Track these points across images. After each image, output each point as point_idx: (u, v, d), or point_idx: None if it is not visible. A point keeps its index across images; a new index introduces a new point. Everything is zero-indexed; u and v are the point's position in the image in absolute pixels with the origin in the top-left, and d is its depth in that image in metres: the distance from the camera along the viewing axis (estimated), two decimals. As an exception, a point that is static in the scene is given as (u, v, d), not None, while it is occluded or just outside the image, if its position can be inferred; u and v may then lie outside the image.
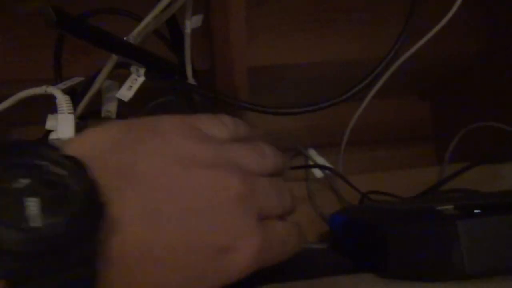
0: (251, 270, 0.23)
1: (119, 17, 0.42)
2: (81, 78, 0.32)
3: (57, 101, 0.28)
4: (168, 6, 0.30)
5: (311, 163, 0.61)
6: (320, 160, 0.69)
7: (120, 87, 0.34)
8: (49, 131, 0.40)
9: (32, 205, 0.17)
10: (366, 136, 0.73)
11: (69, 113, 0.27)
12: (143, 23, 0.30)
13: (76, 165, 0.19)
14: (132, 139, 0.23)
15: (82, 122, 0.34)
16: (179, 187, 0.22)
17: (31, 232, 0.17)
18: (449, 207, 0.27)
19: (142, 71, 0.29)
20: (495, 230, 0.26)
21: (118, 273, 0.19)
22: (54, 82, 0.57)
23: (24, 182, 0.18)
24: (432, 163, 0.73)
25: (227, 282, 0.23)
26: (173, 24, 0.37)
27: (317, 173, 0.62)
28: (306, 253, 0.45)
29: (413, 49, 0.52)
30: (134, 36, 0.29)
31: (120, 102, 0.38)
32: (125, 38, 0.29)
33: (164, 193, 0.22)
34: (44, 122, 0.36)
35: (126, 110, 0.39)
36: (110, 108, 0.36)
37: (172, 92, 0.37)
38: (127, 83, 0.30)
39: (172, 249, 0.21)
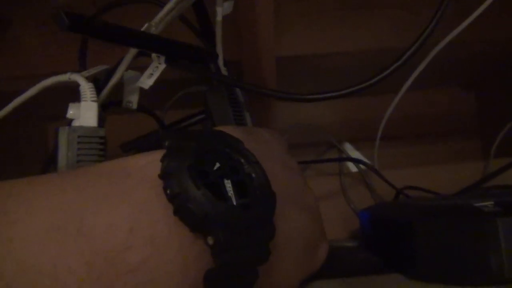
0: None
1: (144, 5, 0.41)
2: (105, 67, 0.31)
3: (81, 88, 0.27)
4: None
5: (345, 156, 0.58)
6: (355, 154, 0.67)
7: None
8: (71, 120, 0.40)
9: (228, 186, 0.21)
10: (403, 130, 0.69)
11: (93, 100, 0.26)
12: (165, 9, 0.28)
13: (252, 156, 0.23)
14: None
15: (103, 112, 0.33)
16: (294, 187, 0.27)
17: (232, 208, 0.20)
18: (489, 203, 0.24)
19: (163, 58, 0.28)
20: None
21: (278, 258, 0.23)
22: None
23: (217, 165, 0.21)
24: (476, 160, 0.69)
25: (314, 272, 0.28)
26: (201, 10, 0.36)
27: (352, 167, 0.59)
28: (337, 251, 0.43)
29: (452, 35, 0.48)
30: (156, 22, 0.28)
31: (144, 92, 0.37)
32: (146, 25, 0.28)
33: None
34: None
35: (147, 101, 0.38)
36: (131, 98, 0.35)
37: (201, 81, 0.36)
38: (148, 70, 0.29)
39: (293, 239, 0.25)
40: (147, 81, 0.29)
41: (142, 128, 0.44)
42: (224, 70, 0.36)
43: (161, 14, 0.29)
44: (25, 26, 0.61)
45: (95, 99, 0.27)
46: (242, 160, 0.22)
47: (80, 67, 0.38)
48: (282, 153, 0.29)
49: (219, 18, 0.36)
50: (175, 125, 0.39)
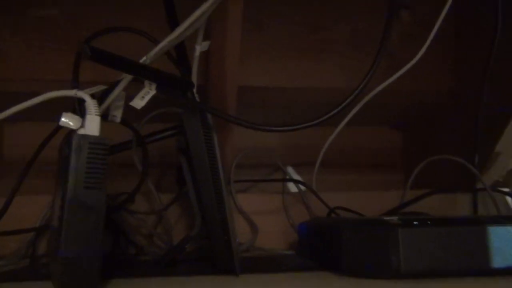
0: None
1: (128, 35, 0.47)
2: (104, 87, 0.37)
3: (86, 104, 0.33)
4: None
5: (288, 178, 0.67)
6: (296, 177, 0.75)
7: (126, 97, 0.40)
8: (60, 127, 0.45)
9: None
10: (339, 159, 0.79)
11: (96, 115, 0.32)
12: (160, 46, 0.35)
13: None
14: None
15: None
16: None
17: None
18: (394, 218, 0.33)
19: (154, 86, 0.35)
20: (429, 238, 0.32)
21: None
22: (66, 83, 0.63)
23: None
24: (397, 190, 0.79)
25: None
26: (181, 48, 0.43)
27: (292, 188, 0.68)
28: (274, 257, 0.51)
29: (384, 84, 0.59)
30: (151, 56, 0.35)
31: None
32: (144, 58, 0.35)
33: None
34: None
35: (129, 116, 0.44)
36: (116, 113, 0.41)
37: (179, 104, 0.43)
38: (140, 93, 0.35)
39: None
40: (139, 102, 0.35)
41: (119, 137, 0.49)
42: (196, 97, 0.43)
43: (156, 50, 0.36)
44: (14, 34, 0.65)
45: (98, 113, 0.33)
46: None
47: (73, 83, 0.43)
48: None
49: (197, 54, 0.44)
50: (150, 136, 0.45)
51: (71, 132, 0.39)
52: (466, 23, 0.72)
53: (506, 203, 0.67)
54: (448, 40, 0.74)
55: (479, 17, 0.70)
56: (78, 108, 0.39)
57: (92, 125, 0.32)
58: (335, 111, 0.37)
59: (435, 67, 0.74)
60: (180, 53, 0.44)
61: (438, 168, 0.69)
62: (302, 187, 0.65)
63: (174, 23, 0.44)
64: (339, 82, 0.71)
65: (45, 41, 0.65)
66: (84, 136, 0.30)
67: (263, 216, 0.64)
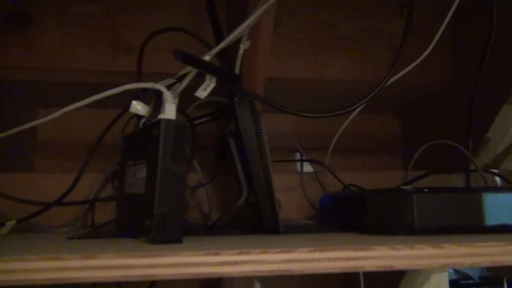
0: None
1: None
2: (172, 80, 0.44)
3: (164, 94, 0.40)
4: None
5: (306, 158, 0.75)
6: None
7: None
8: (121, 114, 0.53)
9: None
10: (347, 143, 0.87)
11: (173, 103, 0.40)
12: (217, 48, 0.43)
13: None
14: None
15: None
16: None
17: None
18: (409, 187, 0.42)
19: (214, 79, 0.43)
20: (437, 202, 0.40)
21: None
22: (101, 73, 0.71)
23: None
24: (398, 171, 0.88)
25: None
26: (224, 53, 0.51)
27: (308, 168, 0.76)
28: (299, 225, 0.59)
29: (396, 77, 0.67)
30: (211, 55, 0.43)
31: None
32: (206, 56, 0.42)
33: None
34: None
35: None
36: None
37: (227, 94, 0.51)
38: (203, 86, 0.43)
39: None
40: (202, 93, 0.43)
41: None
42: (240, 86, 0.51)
43: (215, 51, 0.44)
44: (45, 26, 0.72)
45: (174, 102, 0.41)
46: None
47: (138, 73, 0.51)
48: None
49: (240, 52, 0.52)
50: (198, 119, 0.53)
51: (138, 118, 0.47)
52: (464, 20, 0.81)
53: (495, 183, 0.76)
54: (447, 36, 0.83)
55: (476, 15, 0.78)
56: (142, 97, 0.47)
57: (170, 111, 0.40)
58: (364, 101, 0.45)
59: (435, 61, 0.82)
60: (223, 51, 0.52)
61: (435, 152, 0.78)
62: (318, 166, 0.74)
63: (217, 27, 0.52)
64: (347, 75, 0.80)
65: (83, 35, 0.73)
66: (170, 121, 0.38)
67: (282, 192, 0.73)
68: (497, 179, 0.76)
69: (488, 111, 0.74)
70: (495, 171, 0.76)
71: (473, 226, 0.41)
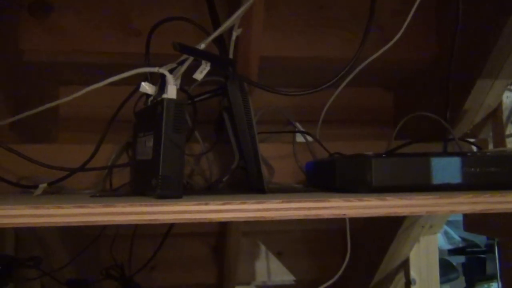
0: None
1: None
2: (175, 64, 0.53)
3: (167, 77, 0.49)
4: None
5: (298, 130, 0.84)
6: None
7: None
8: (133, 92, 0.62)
9: None
10: (337, 116, 0.95)
11: (174, 85, 0.48)
12: (212, 36, 0.51)
13: None
14: None
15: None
16: None
17: None
18: (369, 153, 0.50)
19: (208, 64, 0.51)
20: (392, 165, 0.49)
21: None
22: (117, 55, 0.79)
23: None
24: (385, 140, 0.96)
25: None
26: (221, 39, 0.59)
27: (300, 138, 0.85)
28: (288, 187, 0.69)
29: (375, 55, 0.74)
30: (205, 44, 0.51)
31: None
32: (201, 44, 0.51)
33: None
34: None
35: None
36: (177, 82, 0.57)
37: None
38: (199, 69, 0.51)
39: None
40: (199, 75, 0.51)
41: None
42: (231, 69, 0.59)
43: (209, 39, 0.53)
44: (65, 12, 0.80)
45: (175, 84, 0.49)
46: None
47: (146, 60, 0.60)
48: None
49: (233, 38, 0.60)
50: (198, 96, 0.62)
51: (147, 97, 0.56)
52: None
53: (471, 150, 0.84)
54: (430, 14, 0.89)
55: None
56: (149, 78, 0.56)
57: (172, 92, 0.49)
58: (334, 80, 0.53)
59: (420, 38, 0.89)
60: (218, 37, 0.60)
61: (420, 123, 0.85)
62: (309, 138, 0.82)
63: (214, 16, 0.60)
64: (339, 52, 0.87)
65: (98, 20, 0.81)
66: (171, 100, 0.47)
67: (277, 160, 0.82)
68: (474, 147, 0.84)
69: (465, 85, 0.81)
70: (471, 140, 0.83)
71: (422, 186, 0.49)
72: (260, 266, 1.15)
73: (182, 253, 1.09)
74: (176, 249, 1.08)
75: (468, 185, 0.49)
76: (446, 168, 0.49)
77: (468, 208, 0.42)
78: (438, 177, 0.49)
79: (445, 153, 0.50)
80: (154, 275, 1.08)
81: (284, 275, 1.16)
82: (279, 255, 1.15)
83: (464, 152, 0.68)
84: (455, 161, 0.49)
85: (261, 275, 1.15)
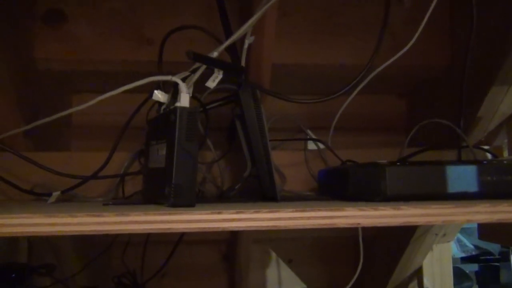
0: None
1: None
2: (187, 73, 0.53)
3: (180, 85, 0.49)
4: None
5: (310, 137, 0.83)
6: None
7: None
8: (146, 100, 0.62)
9: None
10: (350, 123, 0.95)
11: (187, 93, 0.48)
12: (225, 45, 0.51)
13: None
14: None
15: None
16: None
17: None
18: (383, 161, 0.50)
19: (221, 72, 0.51)
20: (406, 173, 0.48)
21: None
22: (128, 63, 0.80)
23: None
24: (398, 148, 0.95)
25: None
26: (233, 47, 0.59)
27: (312, 146, 0.84)
28: (299, 195, 0.68)
29: (388, 62, 0.74)
30: (218, 52, 0.51)
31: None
32: (216, 54, 0.51)
33: None
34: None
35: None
36: (190, 90, 0.58)
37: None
38: (212, 77, 0.51)
39: None
40: (211, 83, 0.51)
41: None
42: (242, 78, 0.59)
43: (222, 47, 0.53)
44: (78, 21, 0.81)
45: (188, 92, 0.49)
46: None
47: (159, 69, 0.60)
48: None
49: (245, 46, 0.60)
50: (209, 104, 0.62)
51: (159, 105, 0.56)
52: (459, 5, 0.86)
53: (485, 158, 0.83)
54: (444, 20, 0.89)
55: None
56: (162, 86, 0.56)
57: (185, 100, 0.49)
58: (347, 88, 0.53)
59: (433, 45, 0.88)
60: (231, 45, 0.60)
61: (434, 130, 0.84)
62: (320, 145, 0.82)
63: (227, 24, 0.60)
64: (351, 60, 0.87)
65: (111, 29, 0.82)
66: (185, 108, 0.47)
67: (288, 168, 0.81)
68: (488, 154, 0.83)
69: (479, 92, 0.80)
70: (485, 147, 0.82)
71: (437, 194, 0.48)
72: (271, 273, 1.14)
73: (193, 261, 1.09)
74: (187, 257, 1.07)
75: (484, 193, 0.48)
76: (461, 177, 0.48)
77: (485, 218, 0.42)
78: (453, 186, 0.48)
79: (460, 161, 0.50)
80: (165, 282, 1.07)
81: (295, 283, 1.15)
82: (290, 262, 1.14)
83: (480, 160, 0.67)
84: (471, 169, 0.48)
85: (272, 283, 1.14)
